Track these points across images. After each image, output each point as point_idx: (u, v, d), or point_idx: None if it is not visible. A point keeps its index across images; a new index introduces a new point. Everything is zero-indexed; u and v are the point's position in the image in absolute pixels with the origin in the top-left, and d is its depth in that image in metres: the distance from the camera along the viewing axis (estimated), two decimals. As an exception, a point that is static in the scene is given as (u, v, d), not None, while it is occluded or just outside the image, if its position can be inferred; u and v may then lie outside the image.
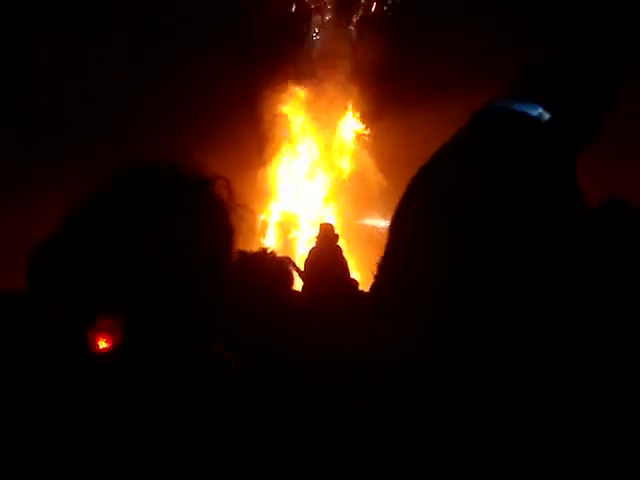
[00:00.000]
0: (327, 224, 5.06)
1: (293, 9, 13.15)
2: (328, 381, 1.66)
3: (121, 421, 0.85)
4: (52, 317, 0.85)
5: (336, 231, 4.96)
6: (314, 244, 4.71)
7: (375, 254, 1.03)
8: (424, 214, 0.83)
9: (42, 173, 9.10)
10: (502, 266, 0.77)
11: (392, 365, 0.91)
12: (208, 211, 0.93)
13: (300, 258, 4.42)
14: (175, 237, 0.89)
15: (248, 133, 11.93)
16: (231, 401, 0.97)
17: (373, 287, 0.91)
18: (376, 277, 0.89)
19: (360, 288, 4.85)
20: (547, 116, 0.78)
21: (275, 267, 1.90)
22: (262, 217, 13.12)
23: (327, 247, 4.40)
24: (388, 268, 0.89)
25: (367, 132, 13.50)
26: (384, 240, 0.95)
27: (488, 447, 0.79)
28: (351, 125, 13.74)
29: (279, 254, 1.99)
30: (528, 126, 0.79)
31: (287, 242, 13.07)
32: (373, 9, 12.61)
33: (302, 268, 4.48)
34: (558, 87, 0.81)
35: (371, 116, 13.16)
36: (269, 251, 1.92)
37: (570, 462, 0.75)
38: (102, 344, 0.85)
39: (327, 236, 4.62)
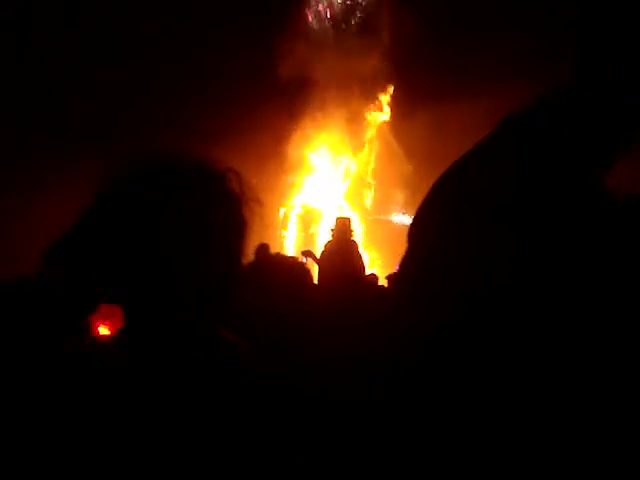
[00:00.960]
0: (344, 218, 5.04)
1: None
2: (328, 381, 1.66)
3: (121, 409, 0.84)
4: (58, 304, 0.86)
5: (353, 225, 4.95)
6: (330, 238, 4.71)
7: (397, 249, 1.02)
8: (452, 214, 0.84)
9: (42, 173, 9.10)
10: (533, 265, 0.78)
11: (393, 365, 0.91)
12: (221, 204, 0.93)
13: (320, 251, 4.41)
14: (187, 229, 0.89)
15: (270, 127, 11.84)
16: (234, 394, 0.97)
17: (394, 285, 0.92)
18: (397, 275, 0.89)
19: (380, 283, 4.88)
20: (578, 123, 0.79)
21: (292, 268, 1.91)
22: (284, 210, 13.06)
23: (342, 241, 4.39)
24: (410, 267, 0.89)
25: (393, 125, 13.40)
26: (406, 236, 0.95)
27: (490, 448, 0.79)
28: (376, 118, 13.66)
29: (300, 247, 2.01)
30: (559, 132, 0.79)
31: (308, 236, 12.98)
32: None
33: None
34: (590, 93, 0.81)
35: (398, 109, 13.05)
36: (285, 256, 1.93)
37: (573, 463, 0.75)
38: (103, 330, 0.85)
39: (343, 230, 4.62)
